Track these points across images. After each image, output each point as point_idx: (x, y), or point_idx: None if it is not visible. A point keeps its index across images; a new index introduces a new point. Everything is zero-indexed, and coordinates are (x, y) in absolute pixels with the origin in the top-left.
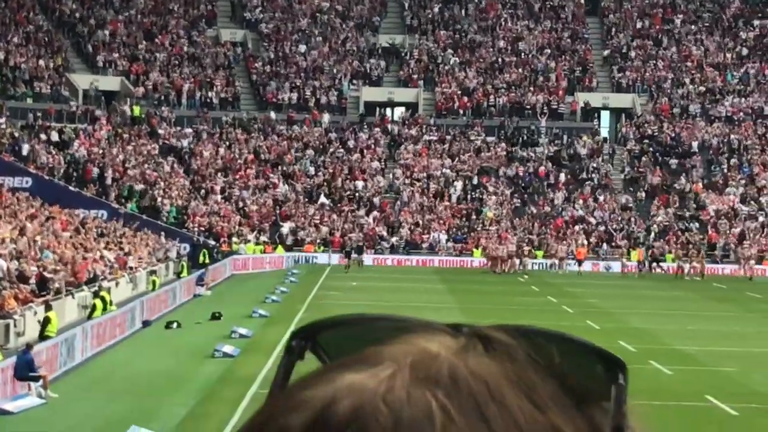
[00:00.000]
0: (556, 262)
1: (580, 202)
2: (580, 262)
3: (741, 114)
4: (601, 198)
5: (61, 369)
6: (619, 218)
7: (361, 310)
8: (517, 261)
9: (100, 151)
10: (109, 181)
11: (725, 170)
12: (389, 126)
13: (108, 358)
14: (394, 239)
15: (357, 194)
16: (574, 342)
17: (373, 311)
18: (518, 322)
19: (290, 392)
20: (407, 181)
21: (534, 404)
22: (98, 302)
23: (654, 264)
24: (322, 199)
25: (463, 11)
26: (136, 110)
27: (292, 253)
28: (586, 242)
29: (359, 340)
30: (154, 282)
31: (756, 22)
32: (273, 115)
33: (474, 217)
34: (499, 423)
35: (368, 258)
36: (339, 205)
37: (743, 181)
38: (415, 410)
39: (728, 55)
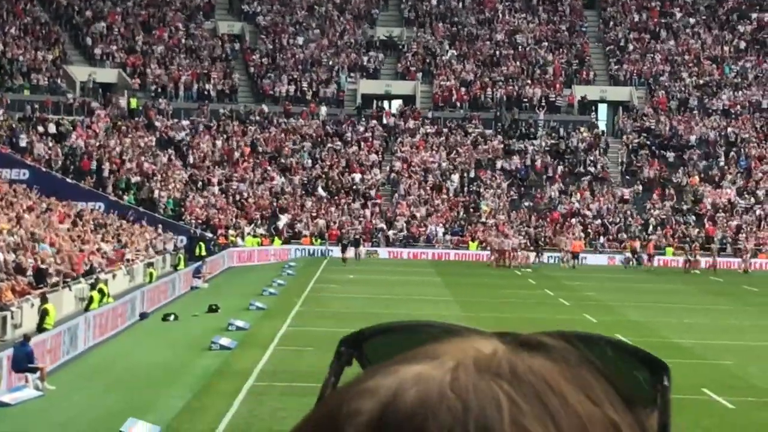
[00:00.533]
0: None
1: (577, 195)
2: (575, 255)
3: (738, 107)
4: (598, 191)
5: (63, 358)
6: (616, 212)
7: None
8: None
9: (98, 144)
10: (106, 174)
11: (722, 164)
12: (387, 119)
13: (108, 349)
14: (391, 232)
15: (354, 187)
16: (620, 346)
17: (372, 306)
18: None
19: (356, 382)
20: (405, 173)
21: (591, 400)
22: (95, 294)
23: (649, 257)
24: (320, 191)
25: (460, 3)
26: (134, 102)
27: (291, 246)
28: (582, 235)
29: (405, 346)
30: (151, 274)
31: (753, 15)
32: (270, 107)
33: (471, 210)
34: (561, 414)
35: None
36: (336, 197)
37: (740, 175)
38: (483, 398)
39: (726, 49)
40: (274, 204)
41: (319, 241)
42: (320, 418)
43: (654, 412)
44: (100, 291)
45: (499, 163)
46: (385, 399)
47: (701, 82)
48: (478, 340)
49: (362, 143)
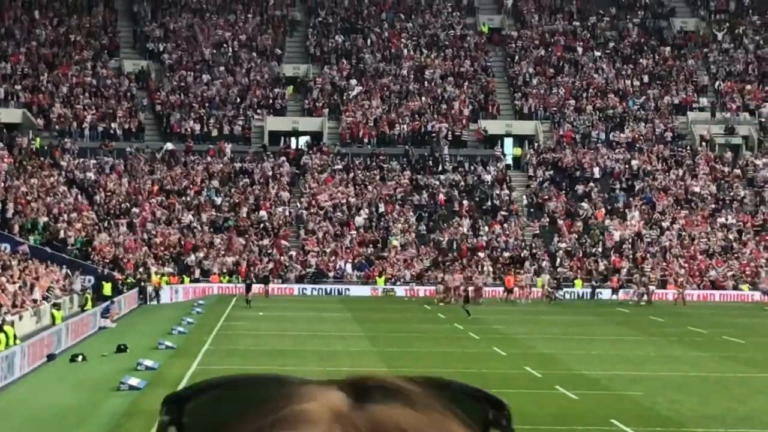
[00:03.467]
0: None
1: (485, 229)
2: (509, 291)
3: (642, 140)
4: (506, 225)
5: None
6: (523, 245)
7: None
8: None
9: (2, 184)
10: (10, 214)
11: (626, 196)
12: (294, 155)
13: (14, 392)
14: (300, 269)
15: (262, 224)
16: (466, 389)
17: (281, 342)
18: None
19: None
20: (313, 210)
21: None
22: (1, 336)
23: (555, 290)
24: (229, 229)
25: (366, 41)
26: (38, 142)
27: (199, 284)
28: (491, 269)
29: (235, 407)
30: (53, 315)
31: (655, 50)
32: (177, 145)
33: (380, 245)
34: None
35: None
36: (245, 235)
37: (645, 207)
38: None
39: (628, 82)
40: (183, 242)
41: (227, 278)
42: None
43: None
44: (6, 333)
45: (407, 198)
46: None
47: (605, 115)
48: (322, 395)
49: (270, 180)
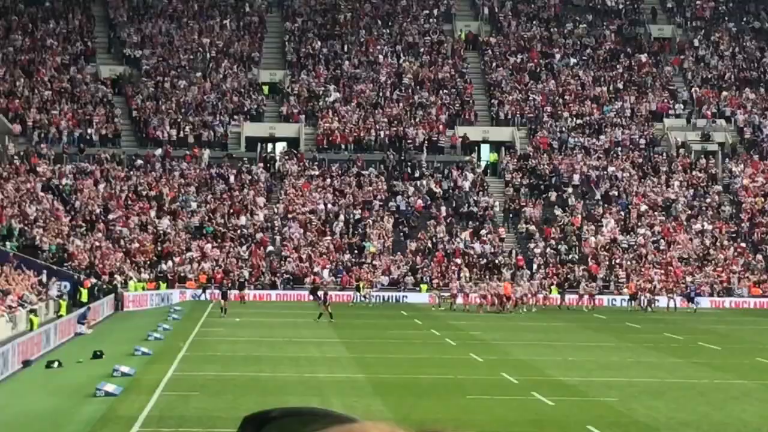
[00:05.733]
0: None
1: (462, 235)
2: (507, 298)
3: (617, 146)
4: (483, 231)
5: None
6: (500, 251)
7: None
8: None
9: None
10: None
11: (602, 202)
12: (271, 161)
13: None
14: (277, 275)
15: (239, 230)
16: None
17: (258, 349)
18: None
19: None
20: (289, 216)
21: None
22: None
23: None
24: (205, 235)
25: (343, 47)
26: (14, 148)
27: (175, 290)
28: (468, 275)
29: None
30: (32, 321)
31: (631, 57)
32: (153, 151)
33: (357, 251)
34: None
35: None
36: (221, 241)
37: (621, 213)
38: None
39: (604, 89)
40: (159, 248)
41: (202, 284)
42: None
43: None
44: None
45: (383, 205)
46: None
47: (581, 121)
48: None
49: (246, 186)
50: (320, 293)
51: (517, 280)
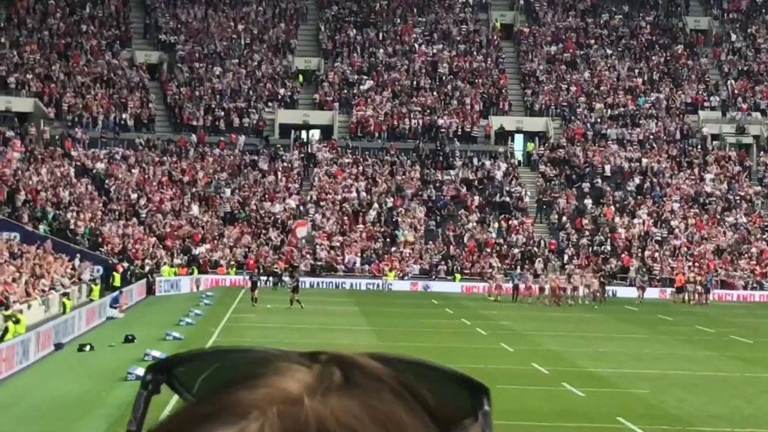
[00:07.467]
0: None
1: (495, 225)
2: (563, 290)
3: (652, 138)
4: (515, 221)
5: None
6: (532, 242)
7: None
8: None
9: (12, 173)
10: (21, 203)
11: (636, 194)
12: (304, 148)
13: (21, 380)
14: (309, 262)
15: (272, 217)
16: (440, 369)
17: (289, 336)
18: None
19: None
20: (322, 203)
21: None
22: (11, 325)
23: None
24: (237, 221)
25: (378, 35)
26: (50, 132)
27: (208, 275)
28: (499, 265)
29: (216, 374)
30: (65, 305)
31: (667, 49)
32: (188, 137)
33: (389, 240)
34: None
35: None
36: (254, 227)
37: (654, 205)
38: None
39: (640, 80)
40: (192, 234)
41: (235, 270)
42: None
43: None
44: (15, 321)
45: (416, 193)
46: None
47: (616, 112)
48: (285, 376)
49: (280, 173)
50: (291, 279)
51: (571, 273)
